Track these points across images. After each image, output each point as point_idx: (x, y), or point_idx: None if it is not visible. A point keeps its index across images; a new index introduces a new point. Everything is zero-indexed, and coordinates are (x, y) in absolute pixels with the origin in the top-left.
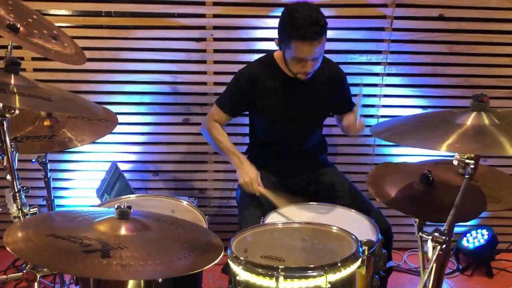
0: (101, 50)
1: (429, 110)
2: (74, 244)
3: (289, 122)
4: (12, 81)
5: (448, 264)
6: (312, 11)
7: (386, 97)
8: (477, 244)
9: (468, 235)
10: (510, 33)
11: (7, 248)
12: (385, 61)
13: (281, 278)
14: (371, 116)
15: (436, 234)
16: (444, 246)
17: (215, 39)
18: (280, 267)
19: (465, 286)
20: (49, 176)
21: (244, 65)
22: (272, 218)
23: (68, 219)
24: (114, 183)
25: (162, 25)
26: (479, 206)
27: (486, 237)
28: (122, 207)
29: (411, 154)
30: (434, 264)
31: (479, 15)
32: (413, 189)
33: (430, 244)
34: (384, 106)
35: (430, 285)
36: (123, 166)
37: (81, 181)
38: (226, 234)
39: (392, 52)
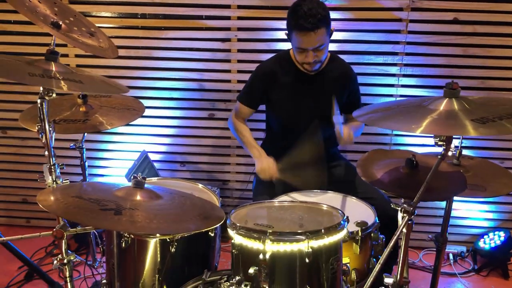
0: (136, 49)
1: None
2: (93, 204)
3: (301, 115)
4: (53, 68)
5: (464, 265)
6: (313, 5)
7: (402, 97)
8: (493, 245)
9: (485, 236)
10: None
11: (39, 205)
12: (401, 62)
13: (268, 241)
14: None
15: (405, 205)
16: (411, 216)
17: (239, 40)
18: (268, 231)
19: (480, 286)
20: (84, 160)
21: None
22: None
23: (94, 187)
24: (143, 170)
25: (191, 26)
26: (456, 189)
27: (502, 238)
28: (138, 177)
29: (426, 144)
30: (404, 232)
31: (494, 18)
32: (399, 172)
33: (399, 214)
34: None
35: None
36: (153, 156)
37: (113, 168)
38: None
39: (407, 54)
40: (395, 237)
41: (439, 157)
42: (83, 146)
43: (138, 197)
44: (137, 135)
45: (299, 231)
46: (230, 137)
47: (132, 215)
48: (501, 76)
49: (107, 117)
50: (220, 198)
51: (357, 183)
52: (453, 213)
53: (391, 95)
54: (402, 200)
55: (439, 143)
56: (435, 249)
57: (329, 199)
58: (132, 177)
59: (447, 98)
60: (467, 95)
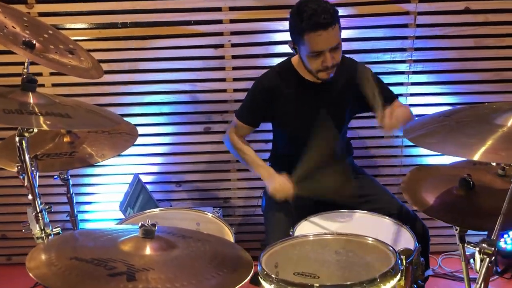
0: (119, 62)
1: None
2: (98, 267)
3: (309, 128)
4: (31, 100)
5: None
6: (320, 2)
7: (412, 96)
8: None
9: (506, 236)
10: None
11: (30, 274)
12: (410, 58)
13: None
14: None
15: (484, 245)
16: (493, 258)
17: (233, 45)
18: (315, 285)
19: None
20: (71, 192)
21: (263, 70)
22: (302, 227)
23: (91, 239)
24: (137, 196)
25: (179, 33)
26: None
27: None
28: (146, 225)
29: (442, 154)
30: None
31: (507, 5)
32: (452, 195)
33: (477, 256)
34: (411, 105)
35: None
36: (145, 178)
37: (103, 195)
38: (252, 243)
39: (417, 49)
40: (477, 285)
41: None
42: (69, 177)
43: (149, 251)
44: (127, 157)
45: (352, 283)
46: (229, 151)
47: (148, 280)
48: None
49: (97, 147)
50: (233, 228)
51: (377, 196)
52: None
53: (400, 95)
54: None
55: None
56: (454, 253)
57: (359, 221)
58: (140, 225)
59: None
60: (482, 89)
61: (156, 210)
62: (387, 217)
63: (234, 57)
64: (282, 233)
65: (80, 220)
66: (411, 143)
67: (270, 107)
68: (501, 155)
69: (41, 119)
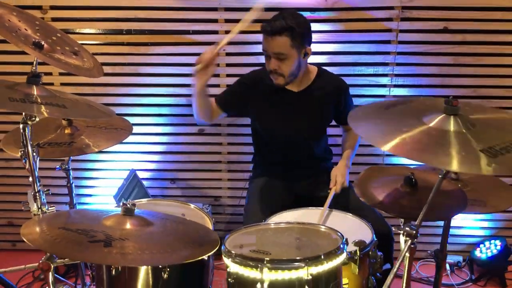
0: (122, 65)
1: None
2: (81, 236)
3: (285, 134)
4: (35, 92)
5: (461, 275)
6: (286, 15)
7: None
8: (490, 254)
9: (481, 245)
10: None
11: (24, 239)
12: (392, 72)
13: (265, 269)
14: None
15: (407, 228)
16: (415, 239)
17: (228, 54)
18: (265, 259)
19: None
20: (71, 182)
21: None
22: (274, 220)
23: (81, 215)
24: (132, 190)
25: (178, 41)
26: (458, 207)
27: (499, 247)
28: (127, 204)
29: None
30: (407, 256)
31: (484, 27)
32: (398, 191)
33: (402, 238)
34: None
35: (405, 281)
36: (142, 174)
37: (101, 188)
38: None
39: (398, 64)
40: (398, 262)
41: (439, 176)
42: (69, 168)
43: (128, 225)
44: (125, 153)
45: (298, 258)
46: (220, 152)
47: (122, 247)
48: (493, 84)
49: (94, 138)
50: (213, 219)
51: (350, 199)
52: None
53: None
54: (402, 221)
55: None
56: (432, 260)
57: (324, 215)
58: (121, 204)
59: (445, 114)
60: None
61: (144, 200)
62: (349, 214)
63: (228, 65)
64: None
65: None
66: (391, 163)
67: (247, 98)
68: (409, 151)
69: (42, 107)
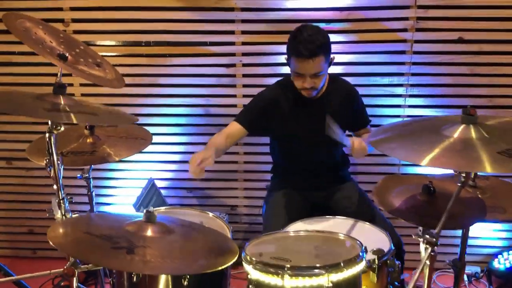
0: (141, 76)
1: None
2: (104, 241)
3: (307, 142)
4: (62, 101)
5: (480, 286)
6: (313, 32)
7: (409, 117)
8: (508, 265)
9: (500, 256)
10: None
11: (50, 242)
12: (407, 82)
13: (286, 276)
14: None
15: (427, 236)
16: (435, 247)
17: (244, 65)
18: (286, 266)
19: None
20: (92, 191)
21: None
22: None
23: (103, 220)
24: (150, 198)
25: (196, 53)
26: (478, 215)
27: None
28: (150, 211)
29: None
30: (427, 264)
31: (499, 37)
32: (416, 199)
33: (422, 246)
34: None
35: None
36: (160, 183)
37: (121, 197)
38: None
39: (413, 74)
40: (418, 270)
41: (458, 184)
42: (90, 177)
43: (150, 232)
44: (144, 163)
45: (318, 265)
46: (237, 161)
47: (144, 254)
48: (508, 93)
49: (115, 148)
50: (231, 227)
51: (359, 206)
52: None
53: (398, 116)
54: (420, 229)
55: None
56: (450, 271)
57: (340, 225)
58: (144, 211)
59: (464, 125)
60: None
61: (163, 208)
62: (367, 223)
63: (244, 75)
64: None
65: None
66: (408, 163)
67: (268, 116)
68: (445, 162)
69: (72, 116)
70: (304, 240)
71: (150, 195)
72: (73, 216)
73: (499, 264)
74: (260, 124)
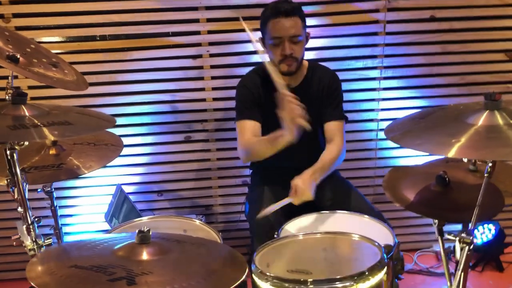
0: (98, 74)
1: None
2: (98, 273)
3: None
4: (26, 113)
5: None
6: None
7: (384, 100)
8: (485, 239)
9: (476, 231)
10: (500, 29)
11: (32, 284)
12: (381, 65)
13: None
14: (371, 120)
15: (463, 235)
16: (471, 246)
17: (211, 55)
18: (309, 280)
19: (477, 282)
20: (55, 205)
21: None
22: (286, 230)
23: (85, 249)
24: (121, 207)
25: (157, 45)
26: (498, 203)
27: (493, 232)
28: (144, 230)
29: (415, 155)
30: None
31: (470, 13)
32: (430, 191)
33: (457, 246)
34: (383, 109)
35: (461, 285)
36: (127, 189)
37: (87, 207)
38: (237, 249)
39: (387, 56)
40: (459, 272)
41: (486, 175)
42: (53, 190)
43: (145, 256)
44: (108, 168)
45: (343, 276)
46: (209, 159)
47: (148, 282)
48: (480, 70)
49: (83, 158)
50: (220, 233)
51: (348, 198)
52: None
53: (373, 99)
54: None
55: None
56: (429, 251)
57: (340, 221)
58: (136, 232)
59: (488, 111)
60: (448, 92)
61: (145, 218)
62: (366, 216)
63: (212, 67)
64: (267, 236)
65: (64, 233)
66: (384, 146)
67: (259, 103)
68: (475, 151)
69: (45, 130)
70: (315, 244)
71: (120, 203)
72: (47, 241)
73: (476, 238)
74: (257, 106)
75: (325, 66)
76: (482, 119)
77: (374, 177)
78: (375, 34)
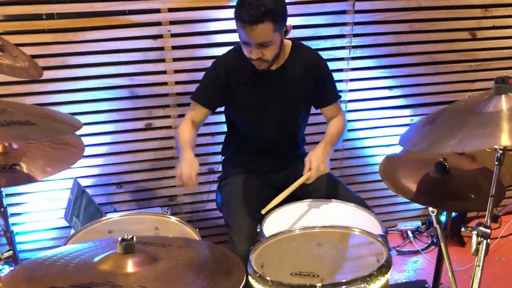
0: (46, 57)
1: (396, 90)
2: None
3: (265, 114)
4: None
5: (423, 239)
6: None
7: (352, 81)
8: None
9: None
10: (466, 7)
11: None
12: (349, 44)
13: None
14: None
15: (481, 228)
16: (488, 239)
17: (173, 35)
18: (317, 285)
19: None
20: (5, 205)
21: (205, 61)
22: (269, 222)
23: (59, 265)
24: (80, 204)
25: (113, 24)
26: (500, 190)
27: None
28: (127, 238)
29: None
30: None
31: None
32: (429, 178)
33: (474, 239)
34: (351, 90)
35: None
36: (84, 182)
37: (40, 203)
38: (207, 239)
39: (355, 35)
40: (479, 268)
41: (496, 163)
42: (1, 191)
43: (132, 267)
44: None
45: (354, 279)
46: (172, 147)
47: None
48: (446, 49)
49: (42, 160)
50: (197, 230)
51: (330, 183)
52: None
53: (341, 80)
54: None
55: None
56: (395, 230)
57: (325, 210)
58: (119, 240)
59: (503, 95)
60: (416, 71)
61: (115, 216)
62: (351, 204)
63: (174, 47)
64: (249, 229)
65: (16, 233)
66: (351, 128)
67: (227, 90)
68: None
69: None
70: (310, 240)
71: (79, 201)
72: (6, 254)
73: (441, 215)
74: (222, 99)
75: (309, 47)
76: (502, 104)
77: (342, 159)
78: (344, 12)
